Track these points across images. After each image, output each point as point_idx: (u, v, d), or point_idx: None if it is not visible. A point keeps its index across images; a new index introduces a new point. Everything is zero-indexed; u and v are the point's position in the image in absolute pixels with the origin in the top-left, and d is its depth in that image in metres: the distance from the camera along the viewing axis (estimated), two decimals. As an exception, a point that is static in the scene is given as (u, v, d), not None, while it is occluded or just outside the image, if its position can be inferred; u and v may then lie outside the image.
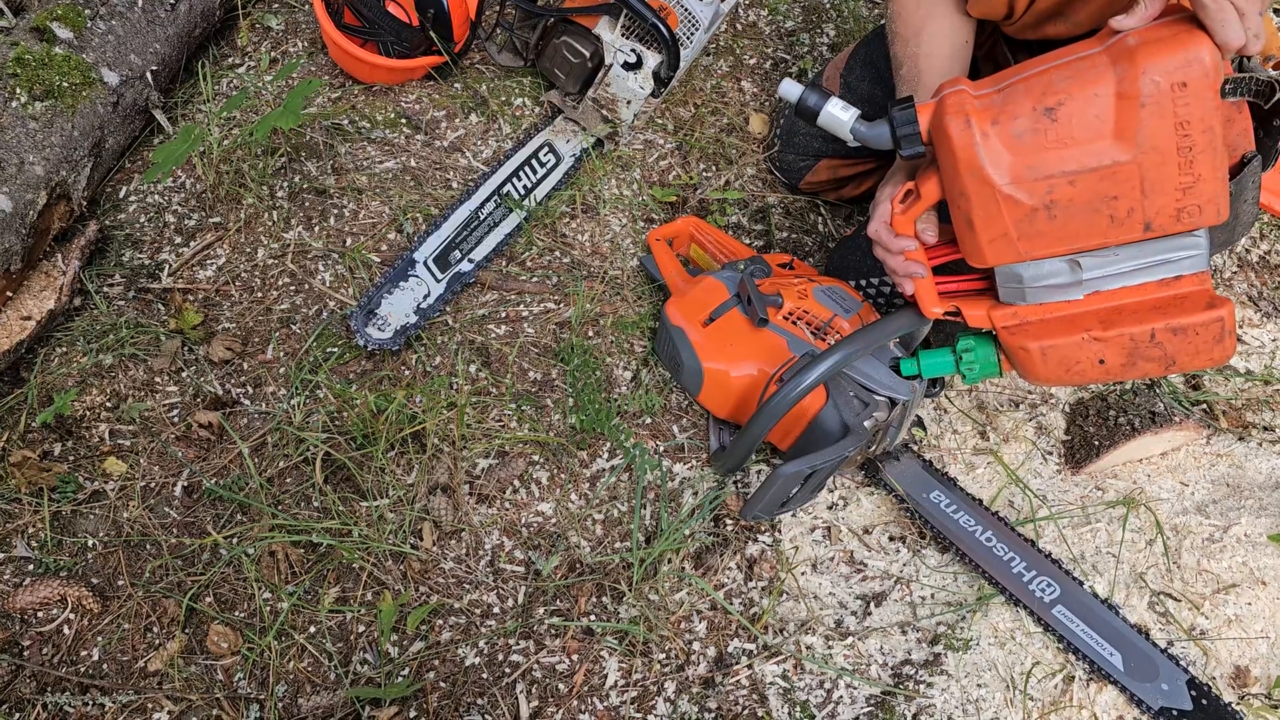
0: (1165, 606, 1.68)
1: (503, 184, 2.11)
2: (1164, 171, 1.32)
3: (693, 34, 2.20)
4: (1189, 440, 1.89)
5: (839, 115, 1.49)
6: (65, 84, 1.91)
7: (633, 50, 2.10)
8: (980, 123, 1.33)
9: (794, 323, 1.76)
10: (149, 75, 2.07)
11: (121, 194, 2.09)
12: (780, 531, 1.76)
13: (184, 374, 1.86)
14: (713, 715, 1.57)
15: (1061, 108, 1.30)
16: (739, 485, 1.81)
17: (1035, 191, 1.36)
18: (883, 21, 2.60)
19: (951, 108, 1.35)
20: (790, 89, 1.50)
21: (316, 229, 2.06)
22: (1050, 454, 1.88)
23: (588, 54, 2.14)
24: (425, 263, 1.98)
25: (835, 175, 2.20)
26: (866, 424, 1.66)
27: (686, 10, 2.17)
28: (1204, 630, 1.67)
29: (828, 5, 2.65)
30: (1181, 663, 1.58)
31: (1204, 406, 1.96)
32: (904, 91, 1.75)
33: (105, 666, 1.58)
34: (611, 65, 2.11)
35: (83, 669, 1.58)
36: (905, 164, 1.58)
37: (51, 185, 1.85)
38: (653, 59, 2.11)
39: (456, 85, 2.30)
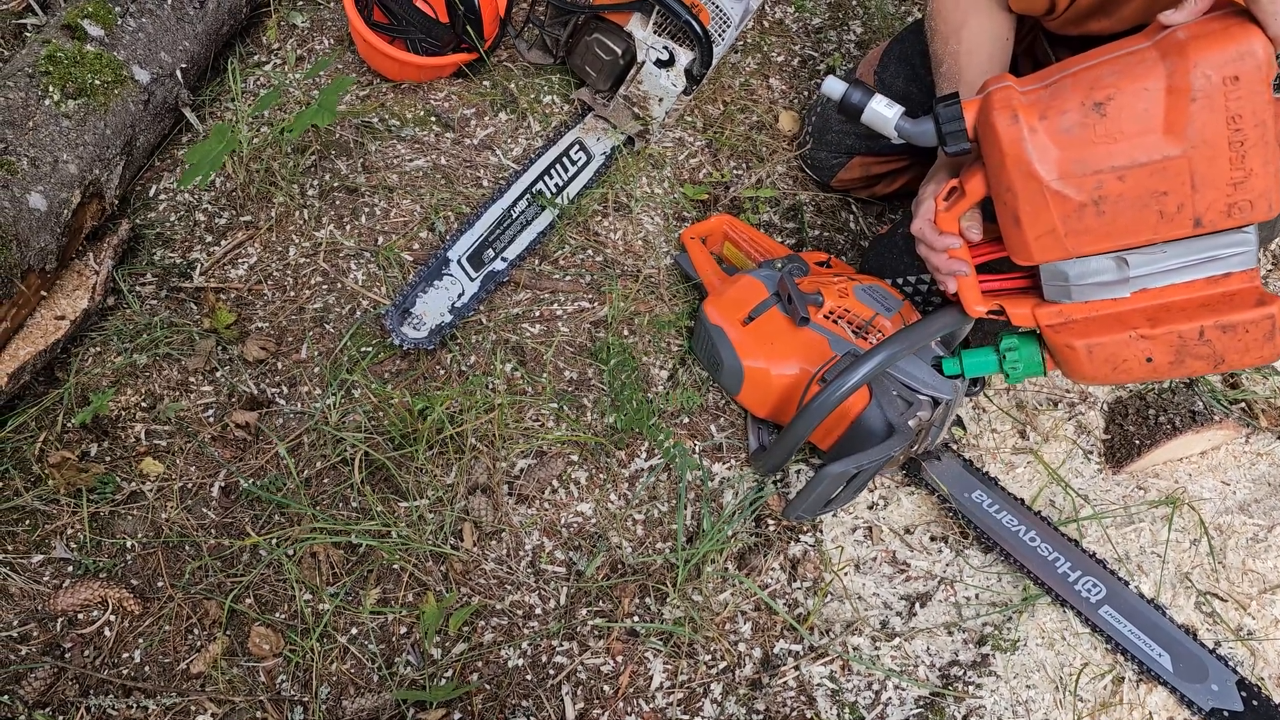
0: (1212, 607, 1.67)
1: (534, 182, 2.10)
2: (1215, 166, 1.31)
3: (724, 31, 2.19)
4: (1228, 439, 1.88)
5: (883, 112, 1.48)
6: (97, 82, 1.89)
7: (665, 48, 2.09)
8: (1028, 118, 1.32)
9: (835, 321, 1.75)
10: (179, 73, 2.06)
11: (152, 192, 2.08)
12: (822, 531, 1.76)
13: (219, 374, 1.85)
14: (760, 717, 1.56)
15: (1111, 102, 1.29)
16: (778, 485, 1.80)
17: (1083, 187, 1.35)
18: (911, 18, 2.60)
19: (998, 103, 1.34)
20: (834, 86, 1.49)
21: (348, 227, 2.04)
22: (1091, 453, 1.87)
23: (619, 51, 2.13)
24: (459, 261, 1.96)
25: (868, 173, 2.19)
26: (910, 423, 1.65)
27: (718, 7, 2.16)
28: (1251, 630, 1.66)
29: (854, 2, 2.64)
30: (1230, 663, 1.57)
31: (1242, 405, 1.95)
32: (944, 89, 1.74)
33: (147, 668, 1.57)
34: (644, 63, 2.09)
35: (125, 671, 1.56)
36: (948, 161, 1.58)
37: (85, 184, 1.84)
38: (685, 56, 2.10)
39: (486, 83, 2.28)
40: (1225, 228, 1.38)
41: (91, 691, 1.53)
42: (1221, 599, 1.69)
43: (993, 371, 1.63)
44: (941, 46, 1.75)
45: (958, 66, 1.71)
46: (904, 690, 1.58)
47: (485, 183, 2.14)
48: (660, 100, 2.14)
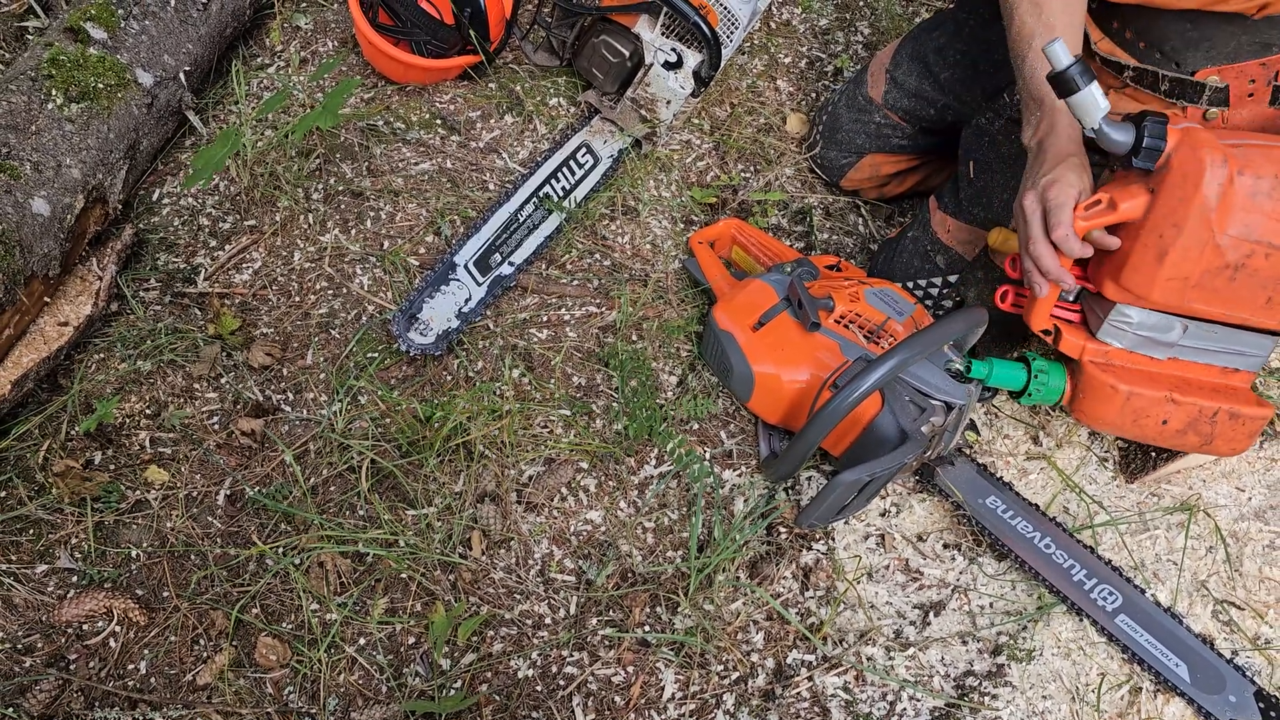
0: (1229, 615, 1.66)
1: (541, 185, 2.08)
2: None
3: (732, 32, 2.17)
4: (1243, 445, 1.86)
5: (1099, 101, 1.38)
6: (100, 85, 1.87)
7: (673, 49, 2.07)
8: (1232, 167, 1.34)
9: (847, 326, 1.73)
10: (182, 76, 2.04)
11: (155, 196, 2.06)
12: (834, 539, 1.74)
13: (223, 380, 1.83)
14: (774, 728, 1.54)
15: None
16: (790, 492, 1.78)
17: (1238, 250, 1.38)
18: (919, 19, 2.58)
19: (1208, 142, 1.35)
20: (1061, 54, 1.37)
21: (353, 232, 2.03)
22: (1105, 460, 1.85)
23: (627, 53, 2.11)
24: (466, 266, 1.94)
25: (878, 173, 2.17)
26: (923, 430, 1.63)
27: (726, 8, 2.14)
28: (1268, 639, 1.64)
29: (862, 3, 2.62)
30: (1248, 673, 1.56)
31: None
32: (1022, 40, 1.61)
33: (153, 680, 1.55)
34: (652, 65, 2.07)
35: (130, 683, 1.55)
36: (1073, 167, 1.49)
37: (88, 189, 1.82)
38: (694, 58, 2.08)
39: (491, 85, 2.26)
40: None
41: (97, 704, 1.52)
42: (1238, 607, 1.67)
43: (1017, 387, 1.63)
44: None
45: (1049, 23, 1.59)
46: (919, 701, 1.56)
47: (491, 186, 2.12)
48: (668, 103, 2.12)
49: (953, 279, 1.93)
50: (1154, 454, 1.80)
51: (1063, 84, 1.38)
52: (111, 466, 1.73)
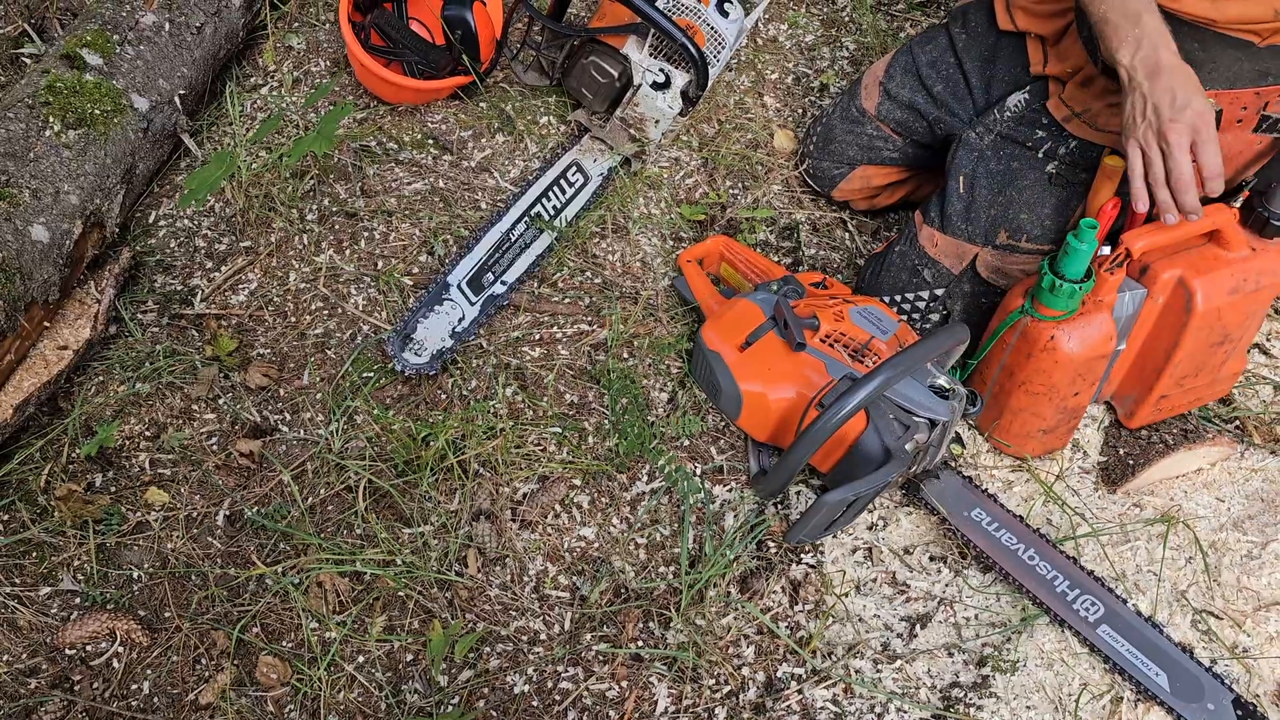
0: (1207, 624, 1.70)
1: (532, 205, 2.11)
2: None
3: (719, 52, 2.20)
4: (1223, 456, 1.90)
5: None
6: (97, 111, 1.90)
7: (661, 70, 2.10)
8: None
9: (832, 345, 1.76)
10: (177, 99, 2.07)
11: (151, 219, 2.09)
12: (823, 553, 1.77)
13: (221, 401, 1.86)
14: (764, 741, 1.58)
15: None
16: (779, 507, 1.82)
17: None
18: (904, 34, 2.61)
19: None
20: None
21: (348, 252, 2.06)
22: (1088, 472, 1.89)
23: (616, 74, 2.14)
24: (459, 286, 1.98)
25: (869, 184, 2.21)
26: (908, 447, 1.66)
27: (713, 29, 2.18)
28: (1246, 648, 1.68)
29: (846, 19, 2.66)
30: (1226, 681, 1.59)
31: (1236, 422, 1.97)
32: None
33: (156, 700, 1.58)
34: (640, 85, 2.11)
35: (134, 703, 1.58)
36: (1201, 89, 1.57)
37: (86, 214, 1.84)
38: (681, 78, 2.11)
39: (482, 104, 2.30)
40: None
41: (101, 724, 1.55)
42: (1217, 616, 1.71)
43: (1078, 275, 1.65)
44: None
45: None
46: (906, 713, 1.60)
47: (483, 205, 2.15)
48: (657, 122, 2.15)
49: (939, 292, 1.96)
50: (1131, 460, 1.84)
51: None
52: (112, 489, 1.75)
